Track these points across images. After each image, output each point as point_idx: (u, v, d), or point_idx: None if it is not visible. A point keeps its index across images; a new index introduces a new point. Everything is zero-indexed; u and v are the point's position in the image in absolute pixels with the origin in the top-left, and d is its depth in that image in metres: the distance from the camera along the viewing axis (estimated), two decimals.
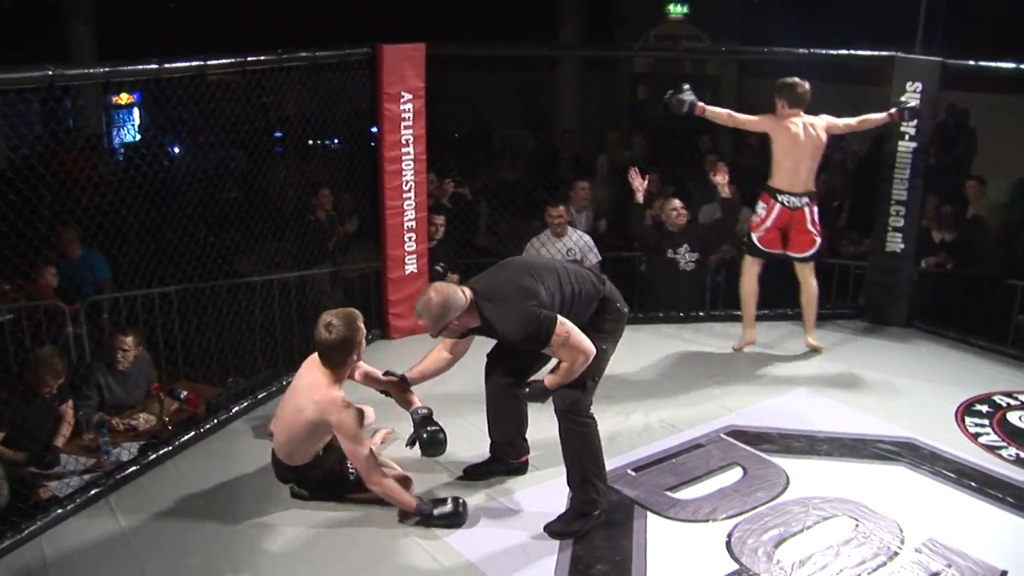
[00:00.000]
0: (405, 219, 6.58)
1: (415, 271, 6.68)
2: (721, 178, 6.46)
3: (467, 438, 5.02)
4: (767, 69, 11.78)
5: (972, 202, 8.11)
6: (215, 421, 5.34)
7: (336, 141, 7.68)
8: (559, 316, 4.01)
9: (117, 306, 6.47)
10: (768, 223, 6.25)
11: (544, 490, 4.62)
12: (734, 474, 4.85)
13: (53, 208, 6.55)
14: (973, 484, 4.77)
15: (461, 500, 4.37)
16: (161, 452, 4.98)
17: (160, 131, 9.06)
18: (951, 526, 4.37)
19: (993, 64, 6.56)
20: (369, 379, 4.66)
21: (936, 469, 4.92)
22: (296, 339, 6.65)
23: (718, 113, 6.24)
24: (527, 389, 4.31)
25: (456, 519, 4.31)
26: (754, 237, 6.34)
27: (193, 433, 5.19)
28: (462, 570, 4.04)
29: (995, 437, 5.31)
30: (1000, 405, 5.73)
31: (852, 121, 6.30)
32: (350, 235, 7.52)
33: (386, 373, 4.61)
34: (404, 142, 6.42)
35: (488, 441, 4.81)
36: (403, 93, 6.34)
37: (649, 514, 4.46)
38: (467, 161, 7.84)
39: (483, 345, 4.56)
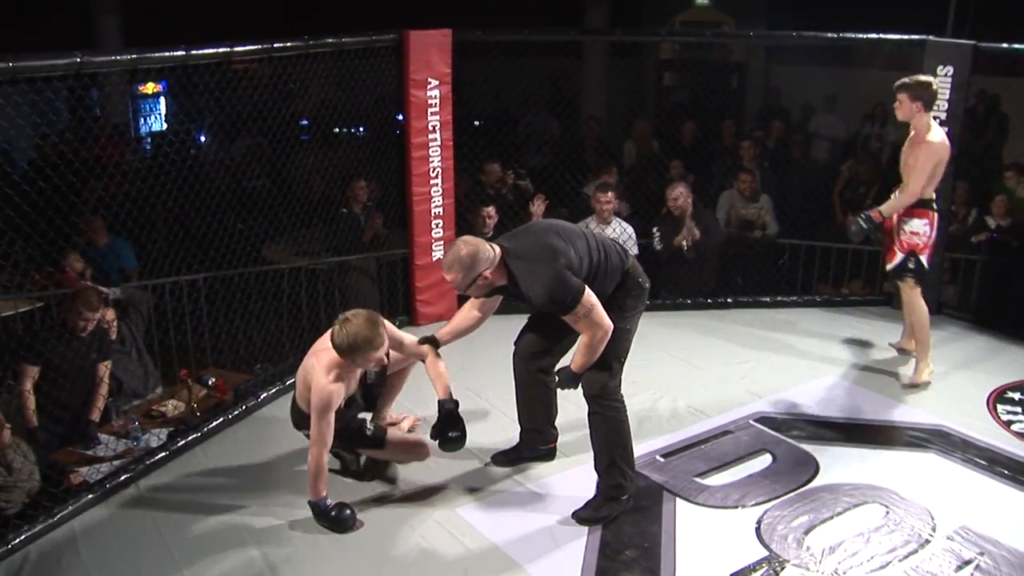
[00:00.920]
0: (432, 206, 6.58)
1: (443, 257, 6.66)
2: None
3: (497, 425, 5.03)
4: (793, 55, 11.78)
5: (1014, 190, 8.01)
6: (243, 408, 5.37)
7: (362, 129, 7.65)
8: (587, 287, 3.95)
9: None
10: (932, 238, 5.63)
11: (572, 476, 4.61)
12: (763, 460, 4.83)
13: (82, 196, 6.59)
14: (1006, 472, 4.72)
15: (356, 518, 4.27)
16: (190, 438, 5.01)
17: (187, 119, 9.06)
18: (983, 514, 4.33)
19: None
20: (404, 348, 4.60)
21: (968, 456, 4.88)
22: (323, 326, 6.63)
23: (899, 196, 5.57)
24: (557, 378, 4.29)
25: (339, 526, 4.21)
26: (923, 260, 5.63)
27: (221, 419, 5.22)
28: (490, 554, 4.04)
29: None
30: None
31: None
32: (380, 226, 7.48)
33: (421, 341, 4.57)
34: (431, 128, 6.41)
35: (517, 428, 4.80)
36: (430, 79, 6.33)
37: (678, 500, 4.45)
38: (495, 147, 7.76)
39: (509, 334, 4.56)
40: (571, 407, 4.64)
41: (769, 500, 4.44)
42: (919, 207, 5.54)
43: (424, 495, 4.48)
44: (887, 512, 4.34)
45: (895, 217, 5.63)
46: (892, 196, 5.66)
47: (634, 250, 7.00)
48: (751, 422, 5.26)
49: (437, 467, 4.69)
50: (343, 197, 7.31)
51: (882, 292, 7.26)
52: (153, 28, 10.13)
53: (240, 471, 4.75)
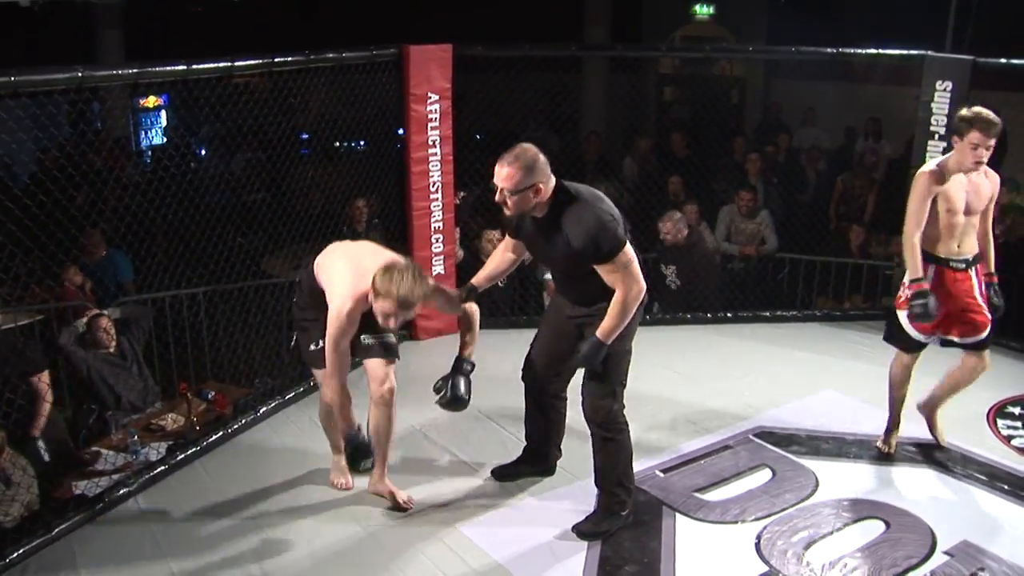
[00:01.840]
0: (432, 220, 6.58)
1: (442, 272, 6.67)
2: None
3: (502, 444, 5.02)
4: (794, 70, 11.82)
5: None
6: (243, 421, 5.35)
7: (363, 143, 7.67)
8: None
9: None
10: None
11: (572, 490, 4.60)
12: (763, 475, 4.82)
13: (82, 210, 6.61)
14: (1006, 487, 4.71)
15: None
16: (189, 452, 5.00)
17: (187, 133, 9.10)
18: (983, 529, 4.32)
19: None
20: (450, 305, 4.36)
21: (968, 472, 4.87)
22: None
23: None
24: (578, 354, 4.02)
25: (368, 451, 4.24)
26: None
27: (221, 433, 5.20)
28: (490, 571, 4.03)
29: None
30: None
31: None
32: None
33: (461, 290, 4.39)
34: (431, 143, 6.43)
35: (517, 443, 4.80)
36: (430, 94, 6.35)
37: (678, 515, 4.43)
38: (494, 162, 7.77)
39: (516, 349, 4.55)
40: (569, 421, 4.63)
41: (769, 515, 4.43)
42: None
43: (425, 510, 4.46)
44: (887, 528, 4.33)
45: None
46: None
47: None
48: (751, 437, 5.25)
49: (438, 483, 4.69)
50: (344, 217, 7.31)
51: (882, 307, 7.25)
52: (154, 41, 10.18)
53: (239, 485, 4.73)
